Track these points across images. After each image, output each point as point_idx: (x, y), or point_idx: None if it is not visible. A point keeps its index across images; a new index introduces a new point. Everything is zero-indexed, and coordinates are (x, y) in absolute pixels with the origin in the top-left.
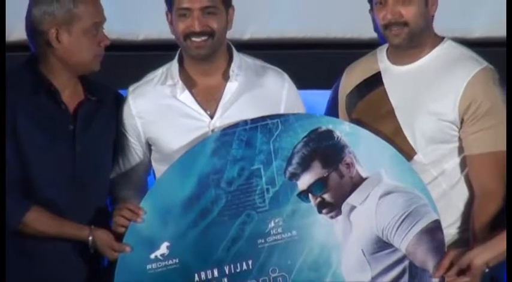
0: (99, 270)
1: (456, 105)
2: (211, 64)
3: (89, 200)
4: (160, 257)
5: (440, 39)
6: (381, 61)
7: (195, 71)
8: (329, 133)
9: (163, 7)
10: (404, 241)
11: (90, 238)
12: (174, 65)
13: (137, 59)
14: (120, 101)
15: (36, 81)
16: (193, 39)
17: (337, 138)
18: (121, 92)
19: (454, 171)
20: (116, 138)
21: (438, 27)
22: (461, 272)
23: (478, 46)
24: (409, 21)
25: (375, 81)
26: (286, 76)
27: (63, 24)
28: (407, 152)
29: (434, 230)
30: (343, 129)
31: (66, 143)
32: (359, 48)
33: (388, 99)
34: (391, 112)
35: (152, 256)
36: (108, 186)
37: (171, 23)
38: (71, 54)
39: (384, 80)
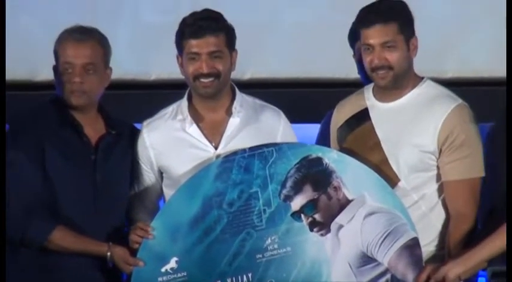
0: None
1: (435, 137)
2: (216, 101)
3: (108, 221)
4: (170, 271)
5: (420, 79)
6: (368, 99)
7: (202, 107)
8: (318, 160)
9: (172, 50)
10: (387, 256)
11: (109, 254)
12: (183, 102)
13: (149, 96)
14: (136, 134)
15: (61, 116)
16: (202, 80)
17: (326, 164)
18: (136, 125)
19: (433, 196)
20: (131, 166)
21: (417, 68)
22: None
23: (451, 85)
24: (394, 65)
25: (362, 116)
26: (282, 114)
27: (56, 62)
28: (392, 179)
29: (413, 246)
30: (331, 157)
31: (88, 171)
32: (345, 87)
33: (375, 133)
34: (377, 144)
35: (163, 270)
36: (125, 209)
37: (181, 65)
38: (59, 90)
39: (371, 116)
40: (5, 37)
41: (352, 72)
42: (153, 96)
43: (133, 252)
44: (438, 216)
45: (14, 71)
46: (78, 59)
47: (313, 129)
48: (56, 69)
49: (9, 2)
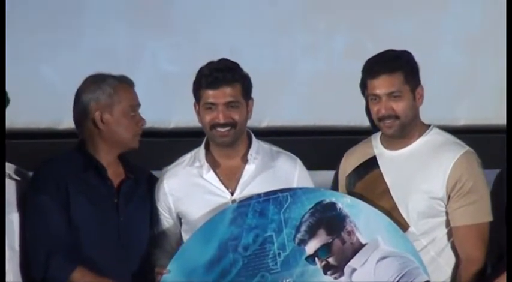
0: None
1: (444, 184)
2: (233, 149)
3: (130, 263)
4: None
5: (426, 127)
6: (376, 147)
7: (219, 155)
8: (332, 205)
9: (190, 99)
10: None
11: None
12: (201, 149)
13: (168, 144)
14: (153, 180)
15: (85, 161)
16: (218, 129)
17: (339, 209)
18: (154, 172)
19: (442, 241)
20: (152, 211)
21: (429, 116)
22: None
23: (463, 133)
24: (400, 114)
25: (371, 164)
26: (298, 160)
27: (106, 107)
28: (402, 225)
29: None
30: (345, 202)
31: (111, 214)
32: (361, 135)
33: (384, 180)
34: (386, 191)
35: None
36: (146, 251)
37: (198, 113)
38: (114, 133)
39: (379, 163)
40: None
41: (366, 120)
42: (172, 144)
43: None
44: (447, 261)
45: (38, 120)
46: (138, 104)
47: (329, 176)
48: (89, 118)
49: (31, 54)
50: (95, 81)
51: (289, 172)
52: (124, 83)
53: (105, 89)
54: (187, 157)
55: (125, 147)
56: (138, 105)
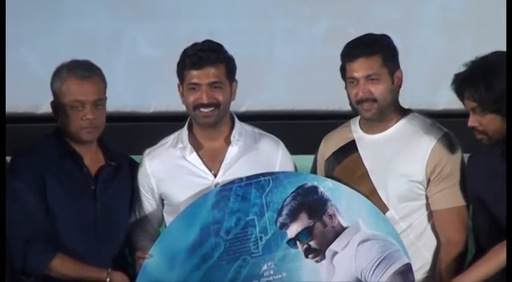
0: None
1: (423, 168)
2: (216, 130)
3: (108, 248)
4: None
5: (405, 111)
6: (355, 131)
7: (202, 136)
8: (314, 188)
9: (170, 84)
10: (382, 280)
11: (108, 280)
12: (184, 130)
13: (148, 128)
14: (134, 166)
15: (62, 148)
16: (202, 109)
17: (321, 193)
18: (134, 157)
19: (420, 224)
20: (133, 195)
21: (408, 100)
22: None
23: (442, 117)
24: (378, 97)
25: (350, 148)
26: (281, 143)
27: (56, 98)
28: (380, 209)
29: (406, 272)
30: (326, 185)
31: (88, 200)
32: (339, 119)
33: (363, 164)
34: (365, 175)
35: None
36: (125, 236)
37: (182, 94)
38: (62, 125)
39: (358, 147)
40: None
41: (345, 104)
42: (151, 128)
43: (133, 279)
44: (426, 244)
45: (17, 104)
46: (88, 96)
47: (308, 161)
48: (56, 105)
49: (10, 36)
50: (57, 71)
51: (272, 154)
52: (74, 76)
53: (57, 80)
54: (170, 139)
55: (76, 138)
56: (90, 99)
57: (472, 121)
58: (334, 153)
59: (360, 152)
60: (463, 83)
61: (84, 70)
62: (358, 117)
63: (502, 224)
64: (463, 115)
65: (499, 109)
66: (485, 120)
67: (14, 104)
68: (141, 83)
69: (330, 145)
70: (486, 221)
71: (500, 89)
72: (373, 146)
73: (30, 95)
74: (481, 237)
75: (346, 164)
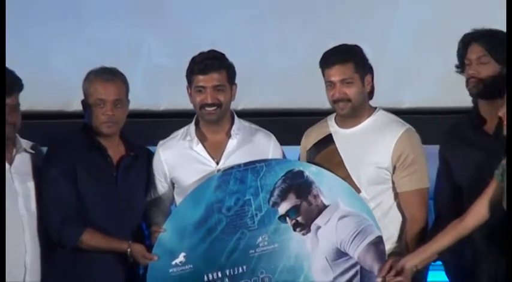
0: (135, 276)
1: (389, 156)
2: (218, 126)
3: (128, 224)
4: (179, 264)
5: (373, 109)
6: (331, 126)
7: (207, 130)
8: (300, 173)
9: (178, 86)
10: (357, 251)
11: (129, 250)
12: (191, 125)
13: (161, 124)
14: (150, 155)
15: (90, 141)
16: (207, 108)
17: (306, 176)
18: (150, 148)
19: (386, 204)
20: (149, 179)
21: (378, 100)
22: (397, 274)
23: (406, 114)
24: (352, 98)
25: (327, 140)
26: (273, 136)
27: (85, 98)
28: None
29: (378, 243)
30: (311, 170)
31: (111, 185)
32: (320, 116)
33: (338, 154)
34: (341, 163)
35: (173, 263)
36: (142, 214)
37: (190, 95)
38: (88, 120)
39: (335, 140)
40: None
41: (326, 103)
42: (162, 123)
43: (149, 249)
44: (391, 220)
45: (51, 103)
46: (109, 96)
47: (294, 150)
48: (85, 103)
49: (43, 46)
50: (87, 75)
51: (265, 146)
52: (100, 79)
53: (86, 82)
54: (180, 132)
55: (98, 132)
56: (112, 99)
57: (473, 70)
58: (315, 145)
59: (336, 144)
60: (475, 35)
61: (108, 74)
62: (334, 114)
63: (462, 189)
64: (423, 112)
65: (501, 59)
66: (486, 68)
67: (49, 103)
68: (155, 86)
69: (310, 138)
70: (448, 188)
71: (503, 45)
72: (347, 139)
73: (63, 95)
74: (441, 205)
75: (325, 154)
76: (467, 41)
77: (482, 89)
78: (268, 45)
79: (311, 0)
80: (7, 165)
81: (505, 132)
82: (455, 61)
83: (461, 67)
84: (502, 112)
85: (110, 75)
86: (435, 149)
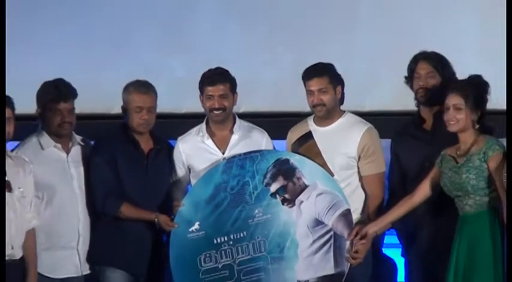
0: (160, 241)
1: (355, 148)
2: (223, 125)
3: (155, 200)
4: (195, 230)
5: (343, 112)
6: (311, 125)
7: (215, 128)
8: (287, 160)
9: (194, 94)
10: (331, 220)
11: (156, 219)
12: (203, 124)
13: (180, 123)
14: (171, 147)
15: (126, 137)
16: (215, 112)
17: (292, 163)
18: (171, 142)
19: (353, 184)
20: (171, 166)
21: (346, 105)
22: (362, 238)
23: (368, 115)
24: (326, 103)
25: (308, 136)
26: (265, 133)
27: (125, 104)
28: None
29: (347, 214)
30: (295, 159)
31: (142, 171)
32: (302, 117)
33: (317, 146)
34: (319, 154)
35: (190, 230)
36: (166, 192)
37: (202, 102)
38: (128, 121)
39: (314, 136)
40: (5, 38)
41: (307, 107)
42: (183, 123)
43: (171, 219)
44: (356, 197)
45: (96, 107)
46: (145, 104)
47: (282, 144)
48: (124, 108)
49: (94, 61)
50: (126, 87)
51: (260, 140)
52: (133, 90)
53: (125, 92)
54: (194, 129)
55: (135, 131)
56: (146, 106)
57: (423, 82)
58: (298, 139)
59: (315, 138)
60: (424, 55)
61: (143, 87)
62: (313, 116)
63: (408, 173)
64: (380, 114)
65: (444, 74)
66: (432, 81)
67: (94, 107)
68: (176, 94)
69: (294, 134)
70: (398, 172)
71: (446, 63)
72: (323, 135)
73: (107, 101)
74: (393, 185)
75: (306, 147)
76: (417, 59)
77: (428, 98)
78: (262, 62)
79: (295, 29)
80: (65, 155)
81: (442, 130)
82: (405, 74)
83: (409, 79)
84: (447, 118)
85: (145, 88)
86: (389, 142)
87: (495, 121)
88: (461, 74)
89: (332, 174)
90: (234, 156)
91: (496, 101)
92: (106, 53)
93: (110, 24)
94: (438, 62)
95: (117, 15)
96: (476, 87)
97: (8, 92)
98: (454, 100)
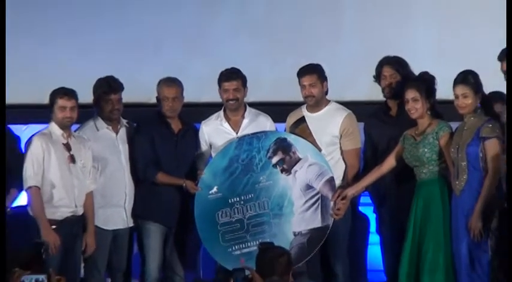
0: (187, 201)
1: (338, 129)
2: (237, 112)
3: (183, 169)
4: (213, 193)
5: (328, 101)
6: (304, 111)
7: (230, 114)
8: (285, 139)
9: (213, 88)
10: (319, 185)
11: (184, 184)
12: (221, 111)
13: (202, 111)
14: (196, 129)
15: (161, 120)
16: (230, 102)
17: (289, 141)
18: (196, 125)
19: (336, 157)
20: (196, 143)
21: (331, 95)
22: (342, 199)
23: (349, 104)
24: (315, 95)
25: (301, 120)
26: (269, 117)
27: (158, 95)
28: (318, 150)
29: (331, 180)
30: (292, 137)
31: (173, 147)
32: (297, 105)
33: (308, 128)
34: (310, 133)
35: (210, 192)
36: (191, 163)
37: (220, 94)
38: (161, 108)
39: (306, 120)
40: (5, 38)
41: (301, 98)
42: (204, 111)
43: (196, 184)
44: (338, 167)
45: (137, 97)
46: (171, 95)
47: (282, 126)
48: (158, 98)
49: (133, 60)
50: (159, 82)
51: (265, 123)
52: (164, 84)
53: (158, 86)
54: (214, 115)
55: (165, 115)
56: (172, 97)
57: (388, 81)
58: (294, 123)
59: (307, 122)
60: (387, 59)
61: (170, 81)
62: (305, 105)
63: (378, 148)
64: (357, 104)
65: (404, 74)
66: (395, 81)
67: (137, 97)
68: (199, 88)
69: (291, 119)
70: (370, 148)
71: (405, 66)
72: (313, 119)
73: (146, 92)
74: (366, 158)
75: (300, 129)
76: (382, 64)
77: (393, 93)
78: (266, 63)
79: (291, 39)
80: (114, 134)
81: (403, 115)
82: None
83: (377, 79)
84: (407, 108)
85: (171, 82)
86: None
87: (444, 108)
88: (418, 71)
89: (320, 150)
90: (244, 136)
91: (445, 93)
92: (146, 56)
93: (149, 32)
94: (399, 64)
95: (154, 25)
96: (427, 82)
97: (71, 86)
98: (411, 94)
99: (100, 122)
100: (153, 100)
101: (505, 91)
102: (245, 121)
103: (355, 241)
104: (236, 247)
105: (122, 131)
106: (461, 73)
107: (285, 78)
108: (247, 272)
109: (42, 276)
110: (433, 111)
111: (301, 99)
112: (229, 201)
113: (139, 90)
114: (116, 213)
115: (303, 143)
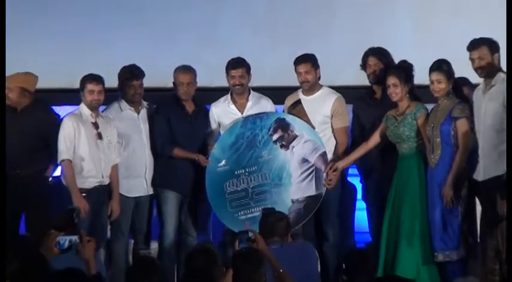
0: (200, 172)
1: (329, 110)
2: (242, 95)
3: (196, 144)
4: (222, 166)
5: (321, 86)
6: (300, 95)
7: (236, 97)
8: (284, 119)
9: (221, 75)
10: (313, 159)
11: (196, 158)
12: (228, 95)
13: (213, 95)
14: (207, 110)
15: (176, 102)
16: (236, 87)
17: (287, 120)
18: (207, 106)
19: (328, 134)
20: (207, 122)
21: (324, 80)
22: (334, 171)
23: (339, 88)
24: (310, 81)
25: (298, 102)
26: (270, 100)
27: (174, 80)
28: (312, 128)
29: (324, 155)
30: (289, 117)
31: (188, 126)
32: (295, 89)
33: (304, 109)
34: (305, 114)
35: (219, 165)
36: (203, 140)
37: (227, 80)
38: (176, 92)
39: (302, 102)
40: (5, 37)
41: (297, 83)
42: (214, 94)
43: (207, 158)
44: (330, 144)
45: (155, 82)
46: (185, 80)
47: (281, 108)
48: (174, 83)
49: (153, 51)
50: (176, 69)
51: (266, 105)
52: (179, 71)
53: (175, 73)
54: (222, 98)
55: (180, 98)
56: (186, 82)
57: (372, 69)
58: (291, 105)
59: (303, 104)
60: (371, 50)
61: (184, 68)
62: (301, 89)
63: (365, 127)
64: (347, 88)
65: (386, 63)
66: (379, 69)
67: (156, 82)
68: (210, 75)
69: (289, 101)
70: (358, 128)
71: (388, 55)
72: (309, 102)
73: (164, 78)
74: (354, 136)
75: (297, 110)
76: (367, 54)
77: (377, 80)
78: (267, 53)
79: (289, 32)
80: (136, 115)
81: (386, 99)
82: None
83: (363, 67)
84: (389, 92)
85: (185, 69)
86: (351, 106)
87: (421, 92)
88: (398, 60)
89: (314, 128)
90: (248, 116)
91: (422, 78)
92: (164, 47)
93: (167, 28)
94: (382, 54)
95: (171, 22)
96: (406, 69)
97: (100, 73)
98: (392, 80)
99: (124, 104)
100: (170, 85)
101: (472, 77)
102: (249, 103)
103: (344, 207)
104: (242, 213)
105: (143, 112)
106: (436, 62)
107: (284, 66)
108: (250, 234)
109: (74, 237)
110: (412, 94)
111: (297, 84)
112: (236, 173)
113: (158, 76)
114: (137, 183)
115: (299, 122)
